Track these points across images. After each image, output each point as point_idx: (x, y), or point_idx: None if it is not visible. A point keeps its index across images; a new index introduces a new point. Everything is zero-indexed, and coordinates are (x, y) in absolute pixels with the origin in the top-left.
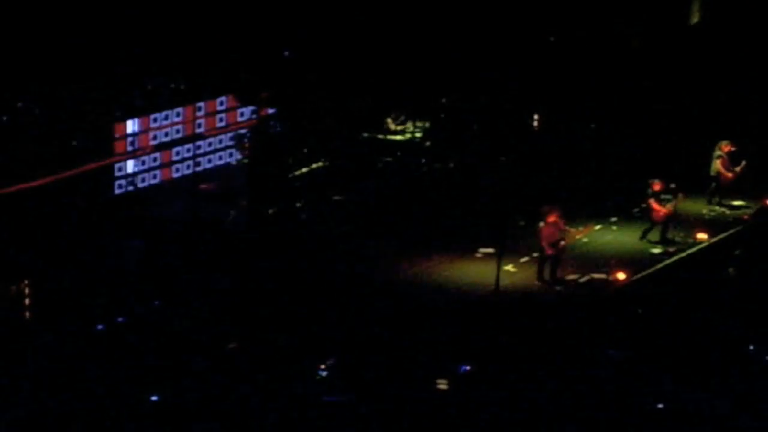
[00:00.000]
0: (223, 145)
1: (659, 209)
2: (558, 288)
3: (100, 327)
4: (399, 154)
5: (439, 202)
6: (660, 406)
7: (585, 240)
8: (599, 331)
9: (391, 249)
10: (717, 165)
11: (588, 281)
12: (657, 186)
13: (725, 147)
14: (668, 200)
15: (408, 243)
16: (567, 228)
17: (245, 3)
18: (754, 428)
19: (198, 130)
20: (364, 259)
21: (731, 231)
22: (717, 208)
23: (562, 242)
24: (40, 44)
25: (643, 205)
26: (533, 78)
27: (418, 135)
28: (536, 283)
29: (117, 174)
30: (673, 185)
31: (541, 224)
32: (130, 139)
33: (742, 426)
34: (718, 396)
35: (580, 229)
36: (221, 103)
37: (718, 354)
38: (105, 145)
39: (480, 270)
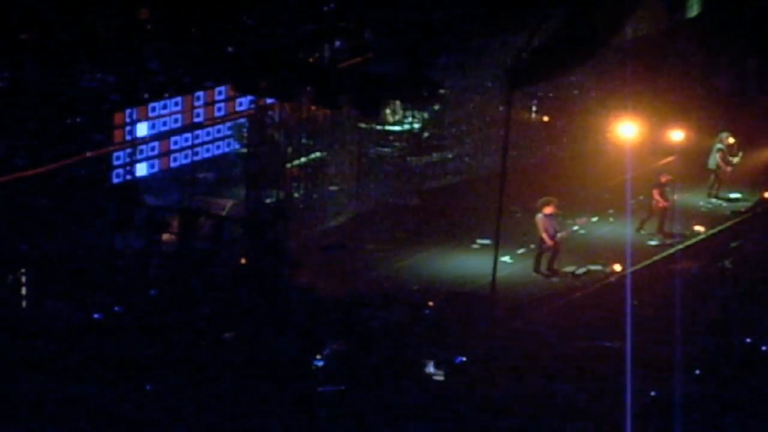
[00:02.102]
0: (221, 134)
1: (660, 200)
2: (555, 279)
3: (97, 316)
4: (397, 144)
5: (437, 192)
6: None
7: (582, 231)
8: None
9: (388, 240)
10: (717, 158)
11: (585, 273)
12: (664, 178)
13: (726, 139)
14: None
15: (405, 233)
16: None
17: None
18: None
19: (196, 120)
20: (362, 249)
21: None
22: (714, 200)
23: (559, 235)
24: (40, 34)
25: (641, 197)
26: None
27: (416, 126)
28: (533, 274)
29: (115, 163)
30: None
31: (539, 216)
32: (128, 128)
33: None
34: None
35: (578, 220)
36: (220, 93)
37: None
38: (103, 134)
39: (477, 261)
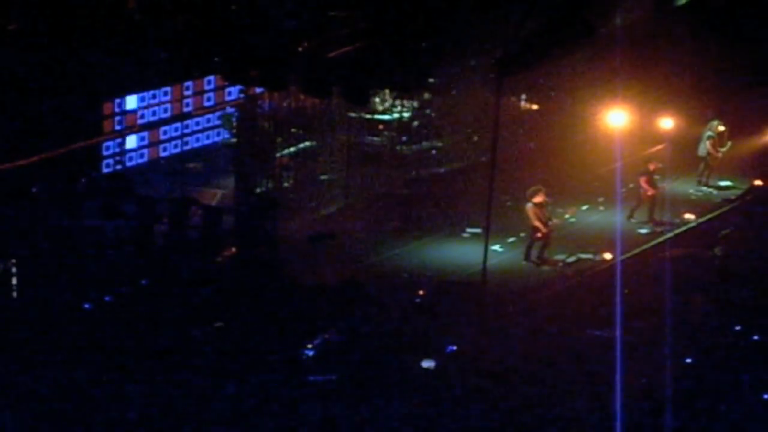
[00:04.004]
0: (210, 124)
1: (648, 188)
2: (546, 268)
3: (86, 306)
4: (386, 133)
5: (426, 181)
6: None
7: (572, 220)
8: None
9: (378, 229)
10: (708, 146)
11: (575, 261)
12: (652, 166)
13: (717, 127)
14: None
15: (395, 222)
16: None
17: None
18: None
19: (185, 110)
20: (352, 238)
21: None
22: (704, 188)
23: (551, 223)
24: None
25: (631, 185)
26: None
27: (405, 115)
28: (524, 263)
29: (105, 153)
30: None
31: (529, 205)
32: (118, 118)
33: None
34: None
35: (568, 209)
36: (209, 83)
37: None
38: (93, 124)
39: (467, 250)
